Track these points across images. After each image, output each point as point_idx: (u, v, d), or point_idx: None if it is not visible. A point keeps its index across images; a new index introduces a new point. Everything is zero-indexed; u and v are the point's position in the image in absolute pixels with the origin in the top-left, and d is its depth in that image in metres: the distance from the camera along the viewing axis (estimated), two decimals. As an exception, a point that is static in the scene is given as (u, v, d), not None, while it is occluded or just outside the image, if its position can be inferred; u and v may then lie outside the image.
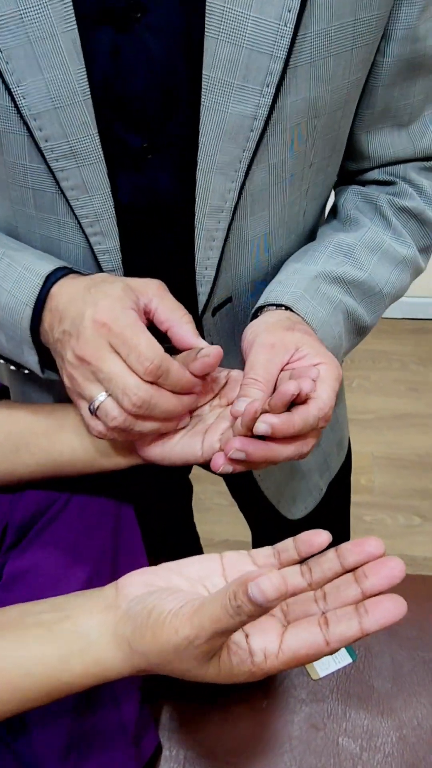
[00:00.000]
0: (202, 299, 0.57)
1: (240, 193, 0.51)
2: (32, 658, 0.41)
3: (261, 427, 0.44)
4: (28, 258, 0.52)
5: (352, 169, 0.63)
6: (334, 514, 0.91)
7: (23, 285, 0.50)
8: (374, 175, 0.62)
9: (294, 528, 0.84)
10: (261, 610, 0.34)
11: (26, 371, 0.57)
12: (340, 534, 0.98)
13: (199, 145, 0.48)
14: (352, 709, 0.57)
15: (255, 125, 0.48)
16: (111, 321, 0.45)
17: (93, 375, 0.47)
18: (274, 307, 0.54)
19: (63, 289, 0.50)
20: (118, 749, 0.50)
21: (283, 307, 0.54)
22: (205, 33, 0.44)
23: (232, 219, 0.53)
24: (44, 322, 0.51)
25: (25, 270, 0.51)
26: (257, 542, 1.04)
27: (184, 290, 0.55)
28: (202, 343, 0.49)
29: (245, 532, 1.03)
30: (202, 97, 0.47)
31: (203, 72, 0.46)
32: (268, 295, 0.55)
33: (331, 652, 0.40)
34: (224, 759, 0.54)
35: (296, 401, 0.46)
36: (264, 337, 0.49)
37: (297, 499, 0.80)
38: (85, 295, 0.48)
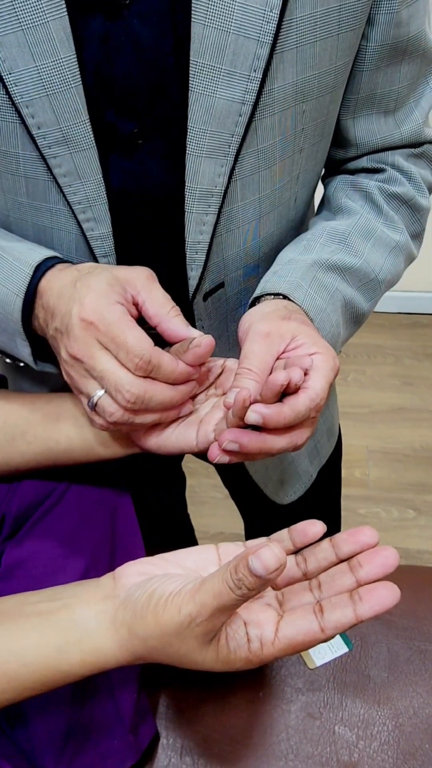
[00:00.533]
0: (192, 284, 0.57)
1: (230, 178, 0.52)
2: (29, 648, 0.41)
3: (251, 416, 0.44)
4: (18, 248, 0.52)
5: (340, 157, 0.63)
6: (324, 502, 0.91)
7: (13, 276, 0.50)
8: (362, 163, 0.63)
9: (285, 516, 0.84)
10: (261, 582, 0.35)
11: (21, 364, 0.57)
12: (331, 522, 0.99)
13: (188, 130, 0.49)
14: (349, 698, 0.58)
15: (243, 110, 0.48)
16: (97, 319, 0.46)
17: (88, 372, 0.47)
18: (272, 297, 0.54)
19: (51, 284, 0.50)
20: (115, 738, 0.51)
21: (281, 296, 0.54)
22: (192, 19, 0.45)
23: (222, 203, 0.53)
24: (39, 318, 0.51)
25: (15, 261, 0.51)
26: (250, 531, 1.05)
27: (174, 275, 0.56)
28: (193, 332, 0.49)
29: (240, 525, 1.03)
30: (190, 82, 0.47)
31: (191, 58, 0.46)
32: (264, 285, 0.55)
33: (326, 639, 0.40)
34: (221, 747, 0.55)
35: (287, 391, 0.46)
36: (259, 326, 0.49)
37: (285, 484, 0.81)
38: (71, 291, 0.48)
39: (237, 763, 0.54)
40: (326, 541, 0.45)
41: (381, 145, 0.61)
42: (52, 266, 0.51)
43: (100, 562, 0.54)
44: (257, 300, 0.55)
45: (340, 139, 0.61)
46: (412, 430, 1.94)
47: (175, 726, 0.56)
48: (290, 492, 0.82)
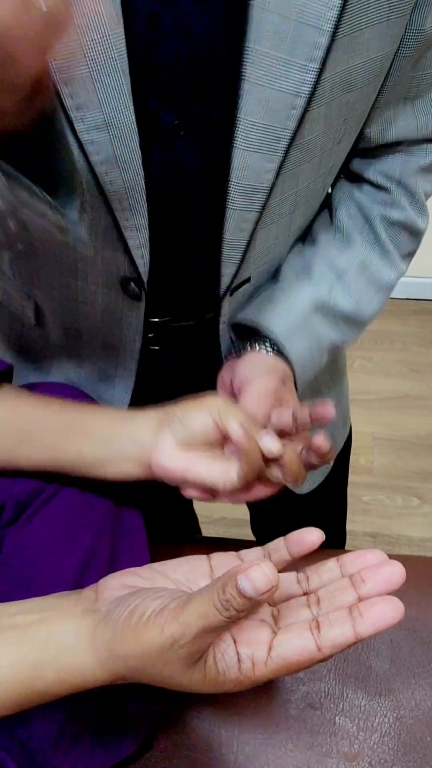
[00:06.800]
0: (225, 281, 0.56)
1: (278, 174, 0.49)
2: (3, 666, 0.38)
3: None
4: None
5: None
6: (333, 491, 0.91)
7: None
8: (369, 173, 0.61)
9: (294, 503, 0.83)
10: (251, 603, 0.33)
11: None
12: (337, 512, 0.98)
13: (237, 123, 0.46)
14: (350, 689, 0.57)
15: (297, 103, 0.46)
16: None
17: None
18: (265, 343, 0.58)
19: None
20: (114, 726, 0.50)
21: (273, 347, 0.58)
22: (252, 3, 0.42)
23: (267, 200, 0.51)
24: None
25: None
26: (255, 520, 1.04)
27: (208, 271, 0.54)
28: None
29: (243, 510, 1.02)
30: (244, 71, 0.44)
31: (247, 44, 0.43)
32: (261, 316, 0.57)
33: (325, 659, 0.37)
34: (220, 736, 0.54)
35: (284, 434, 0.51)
36: (265, 382, 0.54)
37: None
38: None
39: (236, 752, 0.54)
40: (333, 560, 0.42)
41: (395, 137, 0.58)
42: None
43: (101, 550, 0.53)
44: (253, 338, 0.58)
45: None
46: (418, 418, 1.93)
47: (175, 716, 0.56)
48: (309, 481, 0.81)
